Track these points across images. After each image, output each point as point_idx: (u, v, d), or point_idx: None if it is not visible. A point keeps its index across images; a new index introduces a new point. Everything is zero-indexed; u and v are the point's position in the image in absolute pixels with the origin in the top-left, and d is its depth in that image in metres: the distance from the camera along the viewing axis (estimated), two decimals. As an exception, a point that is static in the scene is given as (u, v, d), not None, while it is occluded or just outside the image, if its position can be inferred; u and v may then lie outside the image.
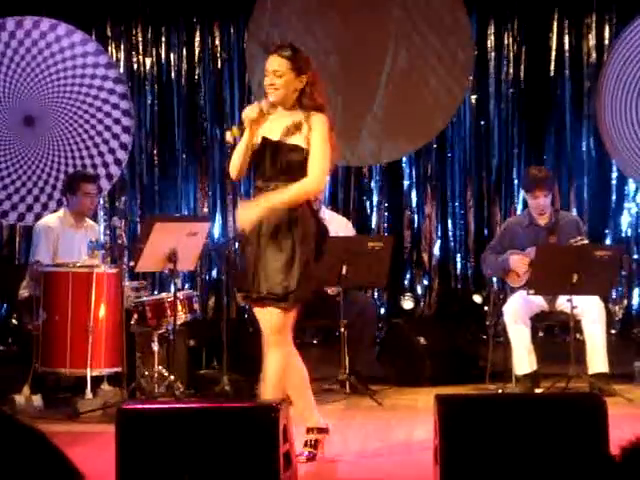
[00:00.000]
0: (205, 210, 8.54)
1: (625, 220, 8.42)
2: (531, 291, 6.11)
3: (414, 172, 8.64)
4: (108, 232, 7.98)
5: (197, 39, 8.56)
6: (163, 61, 8.59)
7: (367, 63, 8.34)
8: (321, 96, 4.38)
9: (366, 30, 8.30)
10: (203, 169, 8.58)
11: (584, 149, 8.43)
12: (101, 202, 8.27)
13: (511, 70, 8.47)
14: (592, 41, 8.37)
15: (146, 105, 8.59)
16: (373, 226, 8.64)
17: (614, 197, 8.42)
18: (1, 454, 1.63)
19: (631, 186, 8.37)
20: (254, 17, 8.28)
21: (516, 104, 8.49)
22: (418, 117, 8.33)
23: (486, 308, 7.50)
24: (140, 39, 8.57)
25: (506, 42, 8.48)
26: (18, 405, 5.67)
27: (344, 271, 6.09)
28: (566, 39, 8.40)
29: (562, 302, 6.27)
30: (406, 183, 8.65)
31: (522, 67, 8.47)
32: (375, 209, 8.67)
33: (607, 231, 8.41)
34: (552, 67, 8.43)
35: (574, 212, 7.99)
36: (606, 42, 8.33)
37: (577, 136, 8.42)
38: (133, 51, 8.58)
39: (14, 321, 7.03)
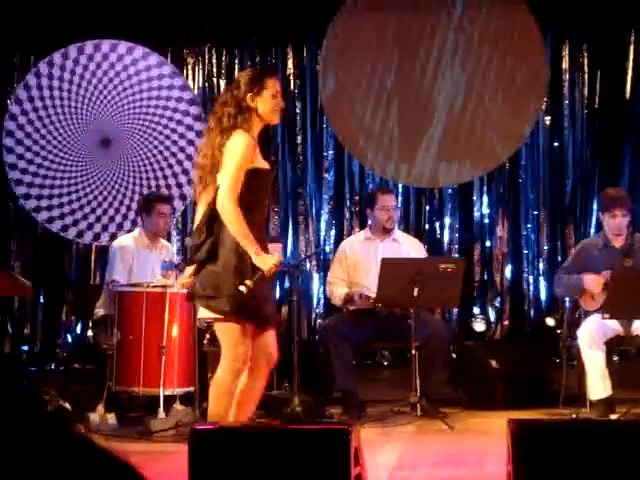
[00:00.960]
0: (272, 230, 8.55)
1: (703, 243, 8.25)
2: (606, 315, 6.02)
3: (486, 193, 8.59)
4: (181, 252, 8.06)
5: (271, 61, 8.64)
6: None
7: (425, 84, 8.31)
8: None
9: (425, 50, 8.29)
10: (273, 188, 8.59)
11: (660, 171, 8.30)
12: (174, 222, 8.36)
13: (586, 91, 8.39)
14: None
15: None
16: (444, 247, 8.60)
17: (692, 219, 8.27)
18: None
19: None
20: (327, 39, 8.34)
21: (591, 125, 8.40)
22: (481, 142, 8.27)
23: (559, 331, 7.39)
24: (214, 61, 8.68)
25: (581, 63, 8.40)
26: (93, 423, 5.74)
27: (415, 293, 6.07)
28: (642, 59, 8.31)
29: (638, 326, 6.16)
30: (478, 204, 8.60)
31: (597, 88, 8.38)
32: (446, 230, 8.62)
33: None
34: (628, 88, 8.32)
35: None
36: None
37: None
38: (207, 73, 8.69)
39: (90, 340, 7.12)
